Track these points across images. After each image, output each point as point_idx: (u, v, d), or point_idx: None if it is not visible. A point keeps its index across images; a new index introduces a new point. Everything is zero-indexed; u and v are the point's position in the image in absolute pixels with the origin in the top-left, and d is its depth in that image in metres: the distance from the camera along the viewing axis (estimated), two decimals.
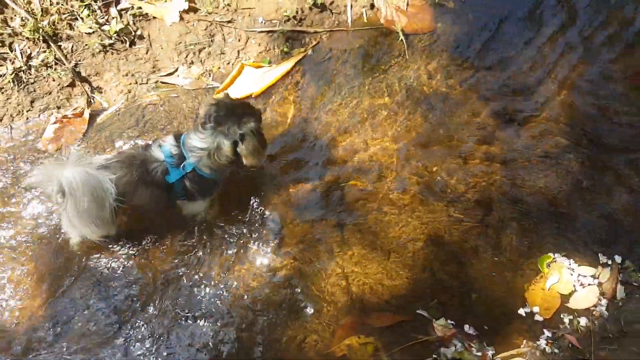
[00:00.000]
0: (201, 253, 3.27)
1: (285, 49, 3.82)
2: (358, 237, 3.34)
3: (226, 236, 3.33)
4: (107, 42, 3.72)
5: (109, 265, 3.21)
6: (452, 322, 3.09)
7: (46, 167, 2.67)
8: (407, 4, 3.84)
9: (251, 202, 3.42)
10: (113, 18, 3.74)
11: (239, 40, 3.82)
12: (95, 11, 3.71)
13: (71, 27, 3.71)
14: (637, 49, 3.81)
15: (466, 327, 3.08)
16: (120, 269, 3.21)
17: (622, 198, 3.38)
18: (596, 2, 3.97)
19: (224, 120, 2.80)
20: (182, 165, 2.88)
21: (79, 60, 3.72)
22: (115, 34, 3.72)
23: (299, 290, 3.20)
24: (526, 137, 3.56)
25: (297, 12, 3.84)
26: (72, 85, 3.70)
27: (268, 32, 3.82)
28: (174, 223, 3.29)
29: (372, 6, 3.89)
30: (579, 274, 3.18)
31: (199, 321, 3.11)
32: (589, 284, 3.15)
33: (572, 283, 3.16)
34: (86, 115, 3.63)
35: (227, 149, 2.82)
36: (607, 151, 3.51)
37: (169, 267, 3.24)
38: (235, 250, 3.29)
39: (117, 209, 2.79)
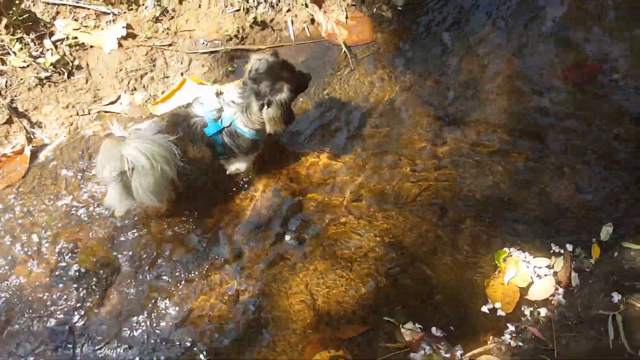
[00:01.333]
0: (159, 281, 3.20)
1: (230, 68, 3.80)
2: (319, 250, 3.33)
3: (184, 261, 3.26)
4: (43, 74, 3.60)
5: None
6: (420, 325, 3.12)
7: (108, 148, 2.63)
8: (347, 17, 3.90)
9: (207, 222, 3.37)
10: (48, 50, 3.63)
11: (182, 63, 3.77)
12: (28, 44, 3.59)
13: (3, 62, 3.57)
14: (571, 45, 3.98)
15: (433, 329, 3.12)
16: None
17: (567, 188, 3.52)
18: (526, 2, 4.13)
19: (263, 79, 2.85)
20: (220, 119, 2.93)
21: (15, 96, 3.57)
22: (51, 66, 3.60)
23: (265, 312, 3.15)
24: (471, 137, 3.65)
25: (238, 31, 3.83)
26: (9, 122, 3.55)
27: (211, 52, 3.80)
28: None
29: (313, 21, 3.93)
30: (535, 266, 3.28)
31: (160, 352, 3.03)
32: (545, 275, 3.25)
33: (529, 275, 3.25)
34: (27, 152, 3.48)
35: (255, 110, 2.89)
36: (548, 145, 3.65)
37: (125, 293, 3.16)
38: (194, 275, 3.22)
39: (179, 173, 2.83)
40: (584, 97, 3.82)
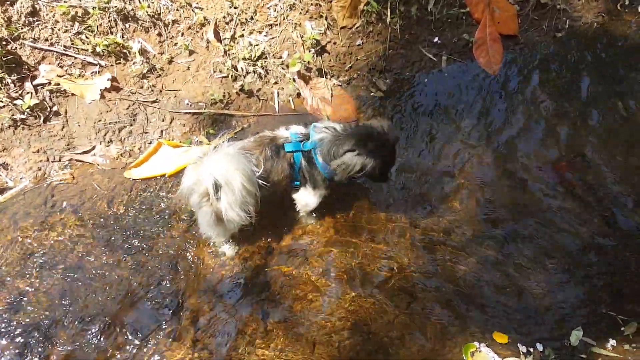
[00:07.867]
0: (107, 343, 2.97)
1: (212, 131, 3.78)
2: (282, 326, 3.17)
3: (133, 330, 3.05)
4: (18, 116, 3.52)
5: None
6: None
7: (192, 169, 2.79)
8: (332, 95, 3.97)
9: (164, 286, 3.20)
10: (27, 93, 3.57)
11: (163, 120, 3.74)
12: (8, 85, 3.53)
13: None
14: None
15: None
16: None
17: (538, 285, 3.47)
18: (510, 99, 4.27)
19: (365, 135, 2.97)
20: (302, 143, 3.01)
21: None
22: (28, 109, 3.53)
23: None
24: (445, 222, 3.63)
25: (224, 96, 3.85)
26: None
27: (194, 113, 3.78)
28: None
29: (299, 95, 3.99)
30: None
31: None
32: None
33: None
34: None
35: (340, 151, 2.94)
36: (519, 237, 3.64)
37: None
38: (142, 350, 3.00)
39: (260, 189, 2.86)
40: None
